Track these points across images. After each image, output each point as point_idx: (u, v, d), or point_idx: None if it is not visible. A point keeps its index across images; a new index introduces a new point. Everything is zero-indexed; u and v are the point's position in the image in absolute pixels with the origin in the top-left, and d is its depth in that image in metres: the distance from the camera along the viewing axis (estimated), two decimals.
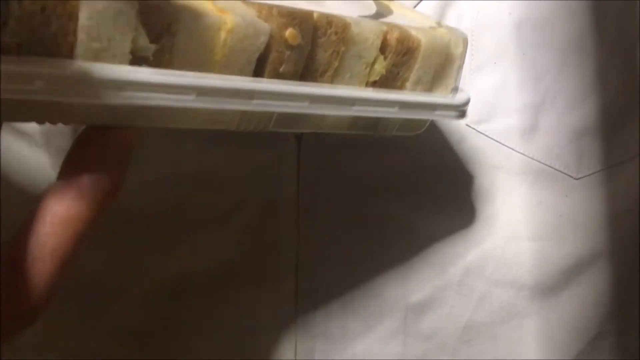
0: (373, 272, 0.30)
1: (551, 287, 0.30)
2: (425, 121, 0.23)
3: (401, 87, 0.21)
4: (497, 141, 0.29)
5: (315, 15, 0.18)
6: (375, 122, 0.22)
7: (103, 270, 0.28)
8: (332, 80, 0.19)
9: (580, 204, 0.30)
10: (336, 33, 0.18)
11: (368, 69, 0.20)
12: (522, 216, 0.29)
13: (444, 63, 0.22)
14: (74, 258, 0.16)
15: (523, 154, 0.29)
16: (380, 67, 0.20)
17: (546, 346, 0.30)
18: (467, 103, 0.23)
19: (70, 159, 0.16)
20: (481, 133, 0.29)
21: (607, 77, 0.30)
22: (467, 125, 0.29)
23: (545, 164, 0.29)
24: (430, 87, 0.22)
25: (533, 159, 0.29)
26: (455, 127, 0.29)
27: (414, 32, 0.20)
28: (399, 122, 0.22)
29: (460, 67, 0.23)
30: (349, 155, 0.29)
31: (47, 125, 0.16)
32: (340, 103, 0.19)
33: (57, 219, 0.15)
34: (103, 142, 0.16)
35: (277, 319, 0.30)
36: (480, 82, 0.29)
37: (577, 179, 0.30)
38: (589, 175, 0.30)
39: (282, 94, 0.17)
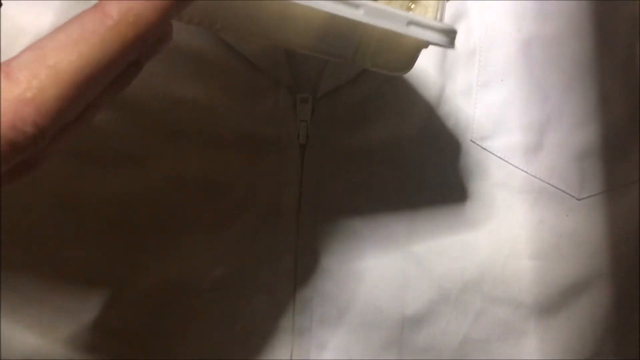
0: (371, 283, 0.30)
1: (549, 306, 0.30)
2: (406, 58, 0.21)
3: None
4: (501, 158, 0.29)
5: None
6: (346, 41, 0.20)
7: (101, 270, 0.28)
8: None
9: (582, 224, 0.30)
10: None
11: None
12: (522, 234, 0.29)
13: None
14: (80, 89, 0.14)
15: (526, 172, 0.29)
16: None
17: None
18: (451, 30, 0.20)
19: None
20: (485, 149, 0.29)
21: (612, 99, 0.30)
22: (471, 141, 0.29)
23: (548, 183, 0.29)
24: (408, 8, 0.20)
25: (536, 178, 0.29)
26: (459, 143, 0.29)
27: None
28: (373, 46, 0.20)
29: (442, 3, 0.21)
30: (351, 165, 0.29)
31: None
32: None
33: (69, 36, 0.14)
34: None
35: (273, 325, 0.30)
36: (487, 98, 0.29)
37: (579, 200, 0.30)
38: (591, 196, 0.30)
39: None
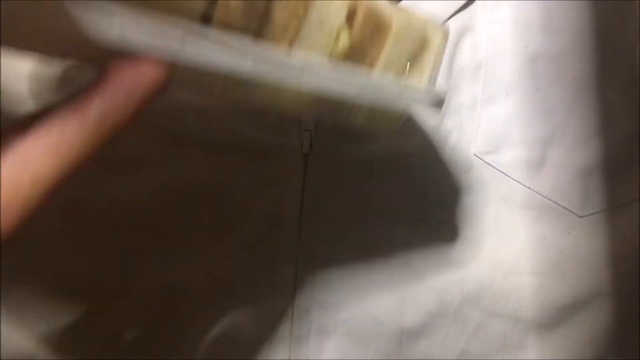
0: (370, 294, 0.30)
1: (547, 323, 0.30)
2: (397, 115, 0.21)
3: (370, 67, 0.19)
4: (504, 173, 0.29)
5: None
6: (338, 107, 0.20)
7: (102, 273, 0.28)
8: (291, 48, 0.17)
9: (583, 242, 0.30)
10: None
11: (332, 41, 0.18)
12: (523, 250, 0.29)
13: (419, 49, 0.20)
14: (57, 189, 0.14)
15: (528, 188, 0.29)
16: (345, 39, 0.18)
17: None
18: (442, 96, 0.20)
19: (89, 83, 0.15)
20: (488, 164, 0.29)
21: (617, 117, 0.30)
22: (474, 155, 0.29)
23: (550, 199, 0.29)
24: (403, 73, 0.20)
25: (538, 193, 0.29)
26: (462, 157, 0.29)
27: (386, 9, 0.19)
28: (364, 108, 0.20)
29: (438, 61, 0.21)
30: (354, 177, 0.29)
31: None
32: (287, 67, 0.17)
33: (49, 141, 0.14)
34: (128, 71, 0.15)
35: (271, 334, 0.30)
36: (491, 112, 0.29)
37: (581, 217, 0.30)
38: (593, 214, 0.30)
39: (220, 44, 0.15)
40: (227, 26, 0.16)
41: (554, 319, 0.30)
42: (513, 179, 0.29)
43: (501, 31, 0.29)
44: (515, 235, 0.29)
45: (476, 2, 0.29)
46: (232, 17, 0.16)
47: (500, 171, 0.29)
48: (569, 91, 0.29)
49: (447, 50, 0.29)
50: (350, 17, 0.18)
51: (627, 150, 0.30)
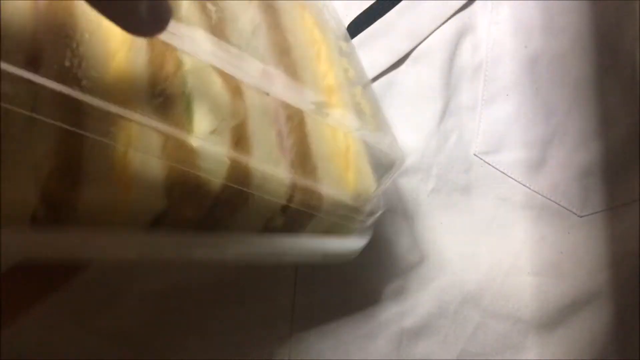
0: (370, 294, 0.30)
1: (547, 323, 0.30)
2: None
3: (298, 231, 0.20)
4: (504, 173, 0.29)
5: (216, 187, 0.17)
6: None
7: (102, 273, 0.28)
8: (228, 224, 0.19)
9: (582, 242, 0.30)
10: (236, 198, 0.17)
11: (265, 222, 0.19)
12: (523, 250, 0.29)
13: (350, 211, 0.21)
14: None
15: (528, 188, 0.29)
16: (278, 221, 0.19)
17: None
18: (356, 252, 0.22)
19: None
20: (488, 164, 0.29)
21: (616, 118, 0.30)
22: (474, 155, 0.29)
23: (550, 200, 0.29)
24: (330, 230, 0.21)
25: (538, 194, 0.29)
26: (462, 157, 0.29)
27: (321, 192, 0.20)
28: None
29: (372, 214, 0.22)
30: None
31: None
32: (215, 248, 0.18)
33: None
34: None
35: (272, 335, 0.30)
36: (491, 113, 0.29)
37: (580, 217, 0.30)
38: (593, 214, 0.30)
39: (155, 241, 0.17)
40: (177, 224, 0.17)
41: (553, 319, 0.30)
42: (513, 179, 0.29)
43: (501, 31, 0.29)
44: (515, 235, 0.29)
45: (476, 2, 0.29)
46: (183, 220, 0.17)
47: (500, 171, 0.29)
48: (569, 92, 0.29)
49: (447, 50, 0.29)
50: (285, 205, 0.19)
51: (627, 151, 0.30)
